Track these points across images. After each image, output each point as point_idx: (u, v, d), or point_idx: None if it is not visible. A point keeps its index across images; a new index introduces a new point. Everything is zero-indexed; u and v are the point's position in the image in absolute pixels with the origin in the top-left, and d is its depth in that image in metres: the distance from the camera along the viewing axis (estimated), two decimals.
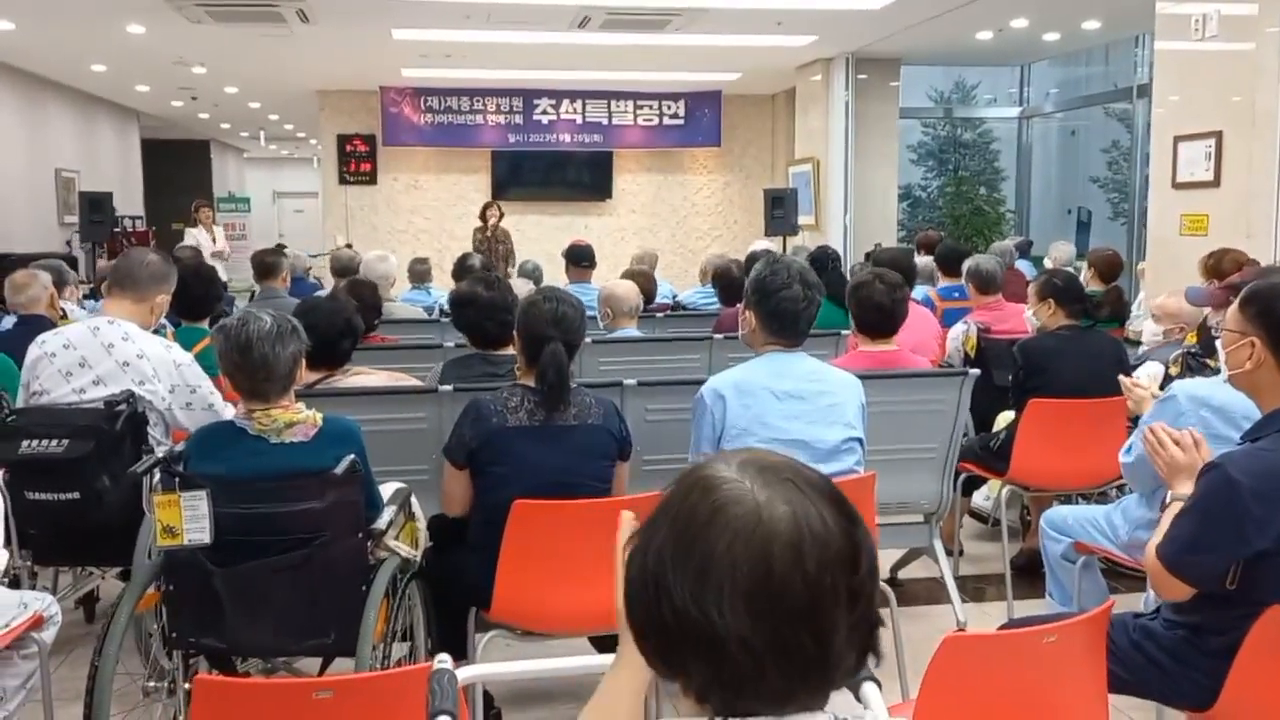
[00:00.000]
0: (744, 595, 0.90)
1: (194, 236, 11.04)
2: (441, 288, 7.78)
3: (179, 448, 2.65)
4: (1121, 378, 3.29)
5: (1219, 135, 5.81)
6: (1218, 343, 2.27)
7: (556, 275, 7.32)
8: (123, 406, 3.15)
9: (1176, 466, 2.24)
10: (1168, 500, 2.23)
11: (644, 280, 5.84)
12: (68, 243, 11.68)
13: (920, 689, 1.74)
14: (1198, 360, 3.83)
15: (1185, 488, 2.17)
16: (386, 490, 2.87)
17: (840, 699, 1.27)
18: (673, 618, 0.92)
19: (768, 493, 0.94)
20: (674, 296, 7.39)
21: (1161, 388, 3.23)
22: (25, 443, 3.08)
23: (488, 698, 2.92)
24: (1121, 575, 3.64)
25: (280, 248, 6.79)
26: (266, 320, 2.49)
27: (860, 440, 2.99)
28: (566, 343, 2.72)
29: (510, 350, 3.23)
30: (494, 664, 1.54)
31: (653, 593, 0.94)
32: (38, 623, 2.66)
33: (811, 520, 0.92)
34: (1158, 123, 6.42)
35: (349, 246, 9.55)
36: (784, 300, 2.88)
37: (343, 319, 3.31)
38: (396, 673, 1.83)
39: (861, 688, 1.26)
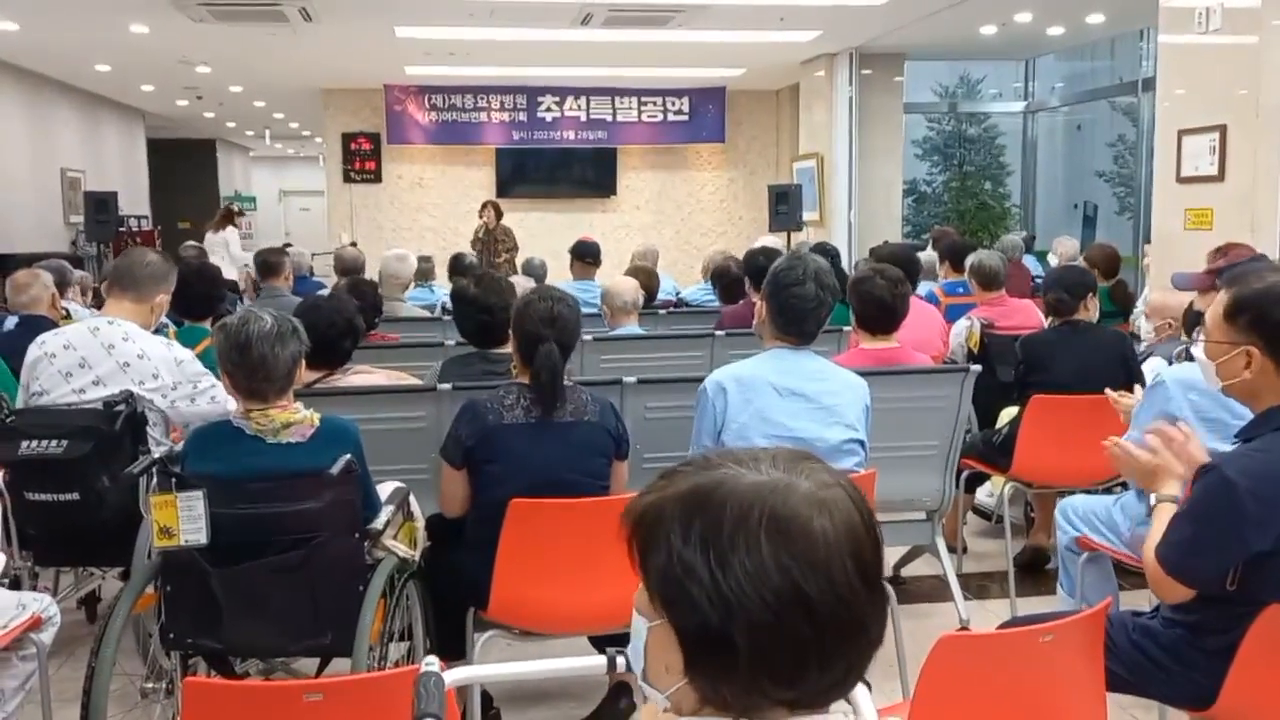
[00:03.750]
0: (860, 574, 0.95)
1: (225, 239, 10.97)
2: (445, 286, 7.78)
3: (176, 448, 2.65)
4: (1108, 392, 3.24)
5: (1223, 129, 5.77)
6: (1197, 350, 2.22)
7: (563, 272, 7.31)
8: (122, 407, 3.15)
9: (1148, 471, 2.22)
10: (1153, 501, 2.21)
11: (645, 277, 5.83)
12: (73, 242, 11.71)
13: (916, 689, 1.73)
14: None
15: (1167, 487, 2.15)
16: (385, 490, 2.87)
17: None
18: (816, 621, 0.93)
19: (813, 480, 0.98)
20: (677, 293, 7.38)
21: None
22: (25, 443, 3.08)
23: (486, 698, 2.91)
24: (1127, 572, 3.63)
25: (285, 247, 6.78)
26: (267, 320, 2.49)
27: (862, 442, 2.97)
28: (561, 342, 2.71)
29: (507, 349, 3.23)
30: (481, 666, 1.54)
31: (778, 607, 0.92)
32: (36, 624, 2.66)
33: (858, 494, 0.99)
34: (1161, 117, 6.38)
35: (354, 245, 9.54)
36: (794, 297, 2.87)
37: (344, 318, 3.31)
38: (387, 674, 1.83)
39: (853, 690, 1.24)
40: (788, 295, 2.86)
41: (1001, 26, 9.78)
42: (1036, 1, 8.84)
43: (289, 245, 9.33)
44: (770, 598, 0.92)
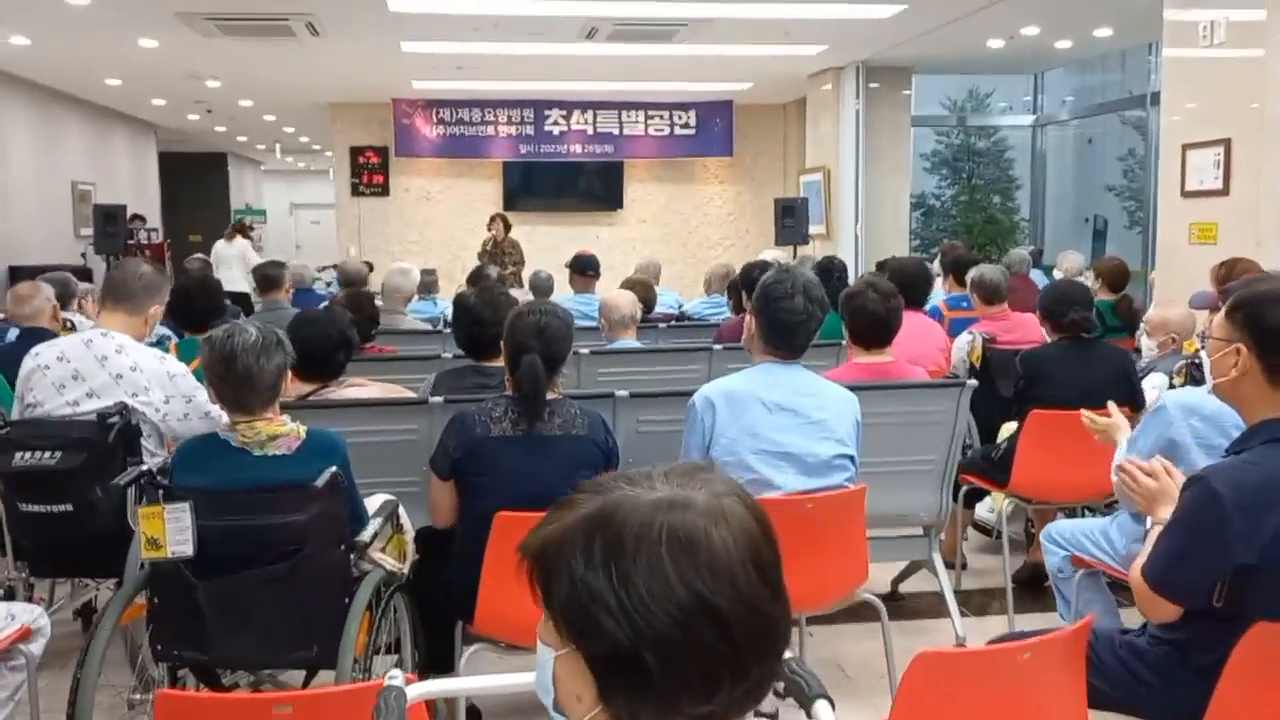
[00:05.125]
0: (765, 580, 0.96)
1: (240, 250, 11.02)
2: (448, 299, 7.80)
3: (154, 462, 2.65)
4: (1083, 413, 3.17)
5: (1228, 143, 5.76)
6: (1205, 351, 2.23)
7: (567, 286, 7.31)
8: (115, 419, 3.15)
9: (1151, 495, 2.21)
10: (1149, 526, 2.19)
11: (643, 290, 5.83)
12: (82, 255, 11.77)
13: (894, 705, 1.71)
14: (1201, 370, 3.78)
15: (1166, 512, 2.14)
16: (374, 502, 2.87)
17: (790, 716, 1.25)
18: (725, 634, 0.93)
19: (709, 490, 0.99)
20: (680, 306, 7.38)
21: None
22: (19, 455, 3.08)
23: (474, 711, 2.90)
24: (1125, 589, 3.60)
25: (281, 261, 6.81)
26: (251, 333, 2.49)
27: (852, 457, 2.96)
28: (547, 354, 2.71)
29: (499, 362, 3.23)
30: (444, 680, 1.53)
31: (686, 622, 0.92)
32: (25, 635, 2.66)
33: (750, 502, 1.01)
34: (1166, 130, 6.37)
35: (367, 263, 9.56)
36: (783, 311, 2.86)
37: (336, 331, 3.31)
38: (356, 688, 1.83)
39: (814, 706, 1.23)
40: (776, 309, 2.85)
41: (1009, 40, 9.78)
42: (1043, 15, 8.84)
43: (335, 266, 9.36)
44: (677, 613, 0.91)
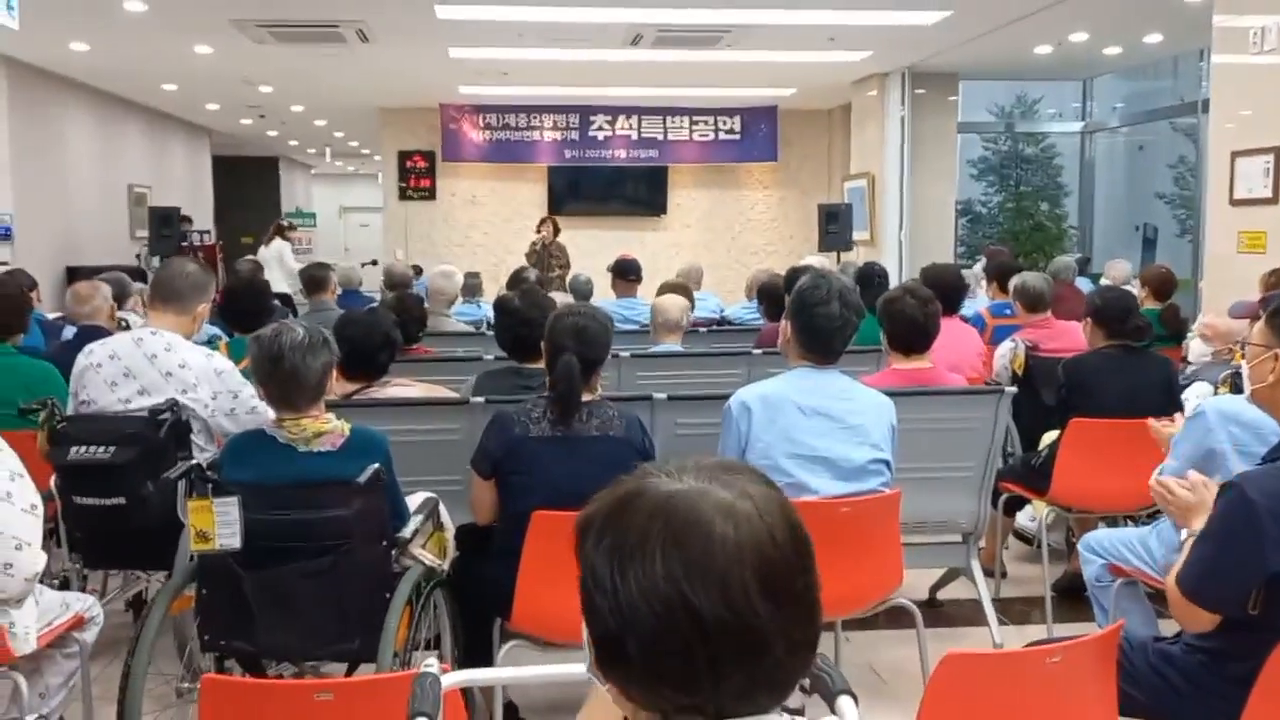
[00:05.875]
0: (762, 587, 0.95)
1: (279, 251, 11.22)
2: (492, 302, 7.89)
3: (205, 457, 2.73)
4: (1150, 422, 3.17)
5: (1278, 151, 5.68)
6: (1242, 360, 2.24)
7: (609, 289, 7.36)
8: (167, 415, 3.24)
9: (1187, 507, 2.22)
10: (1184, 537, 2.19)
11: (682, 294, 5.86)
12: (137, 256, 12.04)
13: (921, 706, 1.73)
14: (1242, 379, 3.74)
15: (1201, 524, 2.14)
16: (416, 500, 2.93)
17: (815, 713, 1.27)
18: (701, 632, 0.93)
19: (732, 491, 0.98)
20: (721, 311, 7.40)
21: None
22: (74, 449, 3.18)
23: (512, 708, 2.95)
24: (1164, 599, 3.56)
25: (327, 263, 6.93)
26: (299, 331, 2.56)
27: (887, 462, 2.96)
28: (585, 356, 2.75)
29: (540, 364, 3.28)
30: (478, 670, 1.57)
31: (668, 616, 0.94)
32: (79, 623, 2.75)
33: (779, 502, 1.00)
34: (1215, 138, 6.29)
35: (416, 267, 9.69)
36: (819, 316, 2.88)
37: (380, 332, 3.39)
38: (393, 676, 1.88)
39: (837, 701, 1.26)
40: (812, 315, 2.87)
41: (1056, 46, 9.69)
42: (1091, 21, 8.75)
43: (374, 261, 9.51)
44: (659, 608, 0.93)
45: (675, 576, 0.94)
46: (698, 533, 0.95)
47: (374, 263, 13.21)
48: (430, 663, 1.36)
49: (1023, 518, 4.90)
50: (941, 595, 4.30)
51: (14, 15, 6.20)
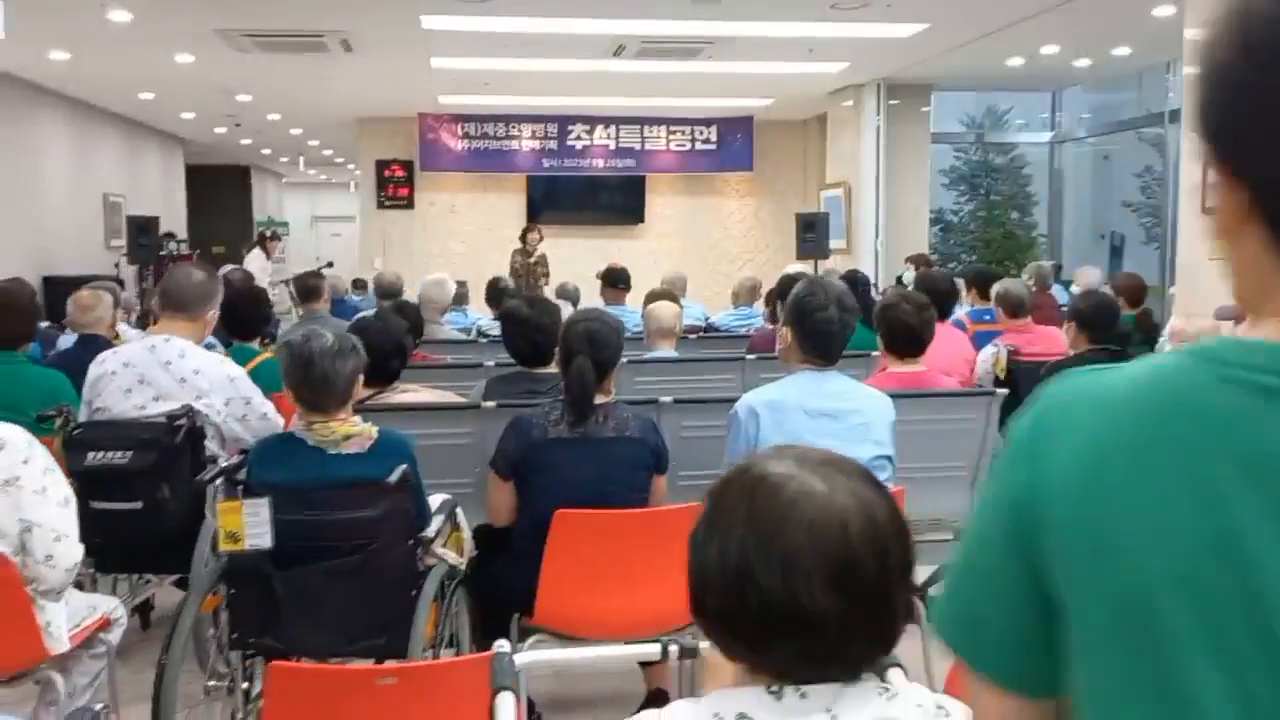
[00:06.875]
0: (828, 577, 1.03)
1: (254, 260, 11.23)
2: (476, 311, 7.95)
3: (233, 460, 2.78)
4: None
5: None
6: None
7: (593, 298, 7.44)
8: (183, 420, 3.30)
9: None
10: None
11: (669, 301, 5.96)
12: (115, 265, 11.98)
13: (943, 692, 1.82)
14: None
15: None
16: (433, 502, 3.00)
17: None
18: (760, 604, 1.04)
19: (829, 484, 1.07)
20: (706, 319, 7.51)
21: None
22: (91, 454, 3.23)
23: (528, 703, 3.03)
24: None
25: (321, 271, 6.98)
26: (328, 337, 2.64)
27: (890, 458, 3.07)
28: (597, 359, 2.85)
29: (552, 369, 3.37)
30: (545, 651, 1.66)
31: (736, 584, 1.05)
32: (105, 625, 2.80)
33: (871, 504, 1.07)
34: (1187, 148, 6.48)
35: (404, 281, 9.71)
36: (820, 321, 2.98)
37: (393, 339, 3.46)
38: (457, 660, 1.95)
39: (888, 672, 1.35)
40: (813, 320, 2.97)
41: (1029, 58, 9.90)
42: (1063, 34, 8.95)
43: (330, 264, 9.56)
44: (730, 577, 1.05)
45: (746, 551, 1.05)
46: (774, 516, 1.05)
47: (330, 265, 13.30)
48: (502, 643, 1.44)
49: None
50: (932, 591, 4.41)
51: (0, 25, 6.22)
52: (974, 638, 0.85)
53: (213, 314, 3.72)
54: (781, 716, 1.04)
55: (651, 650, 1.52)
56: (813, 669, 1.07)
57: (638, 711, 1.19)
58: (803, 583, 1.02)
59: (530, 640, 2.76)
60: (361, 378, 2.75)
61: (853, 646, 1.06)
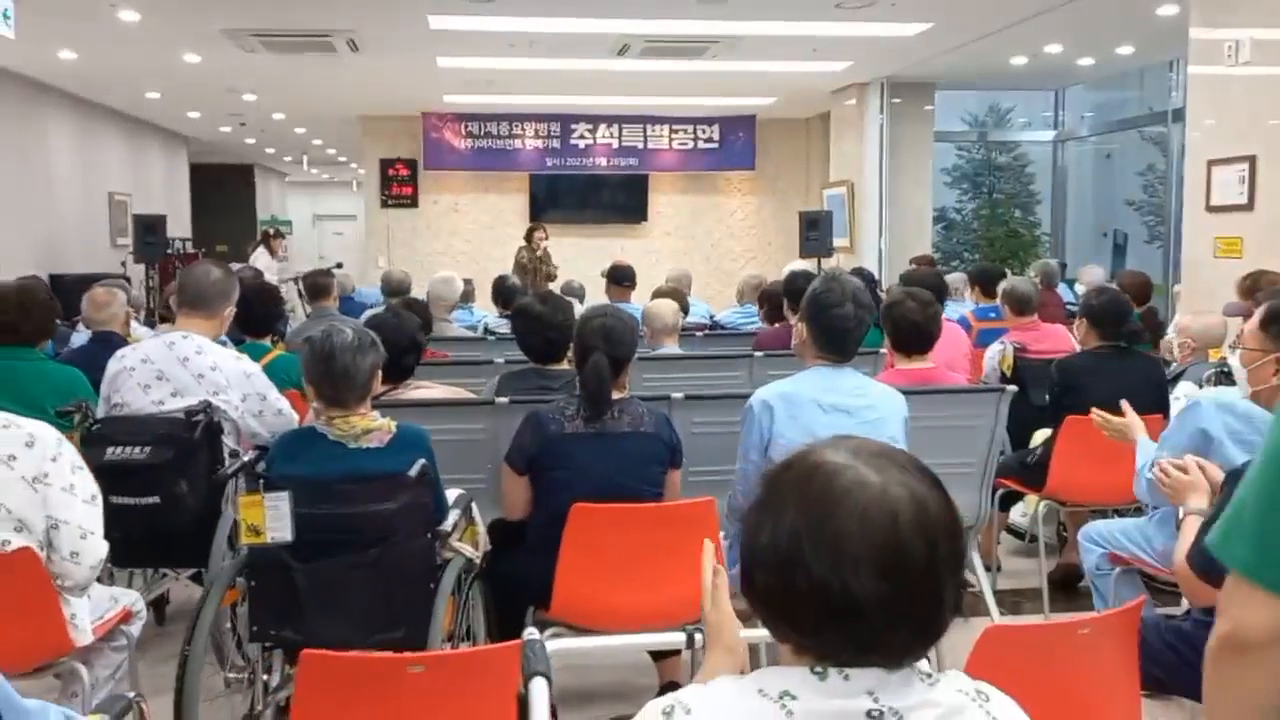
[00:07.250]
0: (877, 565, 1.05)
1: (259, 259, 11.27)
2: (482, 309, 7.99)
3: (248, 456, 2.81)
4: (1094, 412, 3.31)
5: (1252, 159, 5.89)
6: (1233, 358, 2.37)
7: (595, 295, 7.48)
8: (200, 416, 3.33)
9: (1181, 487, 2.36)
10: (1181, 515, 2.34)
11: (676, 299, 5.99)
12: (122, 263, 12.01)
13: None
14: (1229, 377, 3.92)
15: (1196, 501, 2.28)
16: (448, 497, 3.04)
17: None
18: (809, 588, 1.06)
19: (882, 476, 1.09)
20: (711, 316, 7.54)
21: None
22: (110, 449, 3.26)
23: None
24: (1158, 591, 3.72)
25: (331, 270, 7.01)
26: (348, 333, 2.67)
27: None
28: (612, 355, 2.88)
29: (564, 365, 3.40)
30: (572, 638, 1.69)
31: (787, 567, 1.08)
32: (126, 617, 2.84)
33: (923, 497, 1.09)
34: (1191, 147, 6.51)
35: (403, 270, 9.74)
36: (835, 318, 3.00)
37: (407, 336, 3.49)
38: (486, 648, 1.98)
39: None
40: (829, 316, 2.99)
41: (1032, 57, 9.93)
42: (1067, 33, 8.99)
43: (340, 265, 9.61)
44: (780, 559, 1.08)
45: (797, 535, 1.08)
46: (826, 503, 1.08)
47: (339, 265, 13.34)
48: (532, 631, 1.47)
49: (1014, 514, 5.07)
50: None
51: (10, 25, 6.24)
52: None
53: (230, 311, 3.75)
54: (825, 697, 1.06)
55: (676, 639, 1.55)
56: (857, 654, 1.08)
57: None
58: (851, 568, 1.05)
59: (547, 633, 2.79)
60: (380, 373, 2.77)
61: (898, 635, 1.07)
